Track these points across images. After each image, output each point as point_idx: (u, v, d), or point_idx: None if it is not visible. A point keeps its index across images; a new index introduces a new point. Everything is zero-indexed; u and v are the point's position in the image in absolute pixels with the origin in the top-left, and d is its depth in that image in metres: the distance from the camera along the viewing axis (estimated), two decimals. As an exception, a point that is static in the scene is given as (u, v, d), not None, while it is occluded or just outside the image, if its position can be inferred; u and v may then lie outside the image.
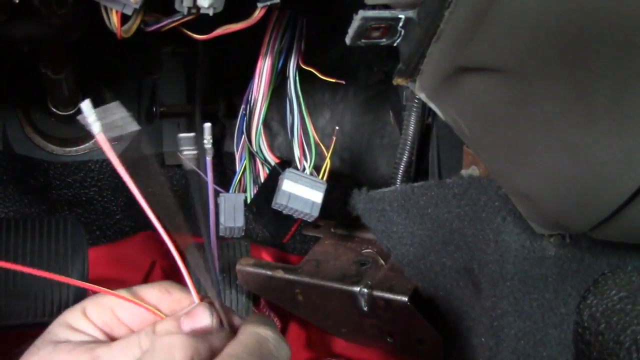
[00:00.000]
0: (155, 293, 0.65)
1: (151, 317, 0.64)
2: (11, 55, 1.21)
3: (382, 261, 1.07)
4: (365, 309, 1.00)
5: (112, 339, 0.63)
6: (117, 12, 0.81)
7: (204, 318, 0.62)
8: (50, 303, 1.00)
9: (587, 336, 0.73)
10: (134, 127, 0.59)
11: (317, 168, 1.07)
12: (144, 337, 0.60)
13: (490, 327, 0.80)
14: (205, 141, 0.62)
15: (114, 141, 0.56)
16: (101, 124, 0.55)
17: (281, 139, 1.38)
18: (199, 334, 0.61)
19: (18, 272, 1.03)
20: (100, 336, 0.62)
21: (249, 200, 1.16)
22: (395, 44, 0.70)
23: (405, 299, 0.96)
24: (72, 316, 0.63)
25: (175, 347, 0.57)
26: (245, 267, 1.12)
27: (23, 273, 1.04)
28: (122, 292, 0.64)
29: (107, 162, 1.35)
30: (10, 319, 0.99)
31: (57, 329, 0.62)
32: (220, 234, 1.17)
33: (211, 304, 0.63)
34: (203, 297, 0.64)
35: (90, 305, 0.63)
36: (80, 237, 1.07)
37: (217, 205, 1.22)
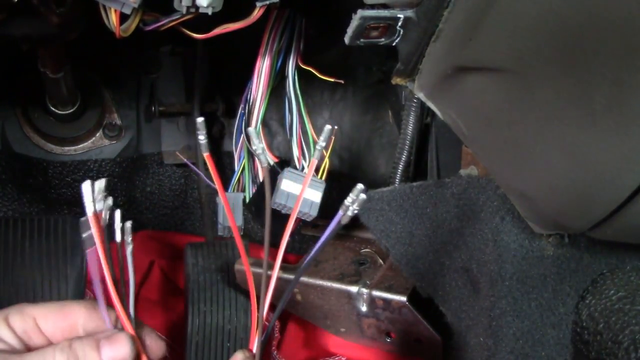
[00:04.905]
0: (82, 310, 0.66)
1: (73, 332, 0.65)
2: (10, 54, 1.21)
3: (380, 261, 1.07)
4: (364, 308, 1.00)
5: (29, 348, 0.64)
6: (115, 11, 0.81)
7: (123, 348, 0.63)
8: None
9: (585, 336, 0.73)
10: None
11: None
12: (59, 352, 0.61)
13: (488, 327, 0.80)
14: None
15: None
16: None
17: (280, 139, 1.38)
18: None
19: (16, 270, 1.04)
20: (18, 345, 0.63)
21: (247, 200, 1.16)
22: (394, 44, 0.70)
23: (404, 298, 0.96)
24: None
25: None
26: (244, 266, 1.11)
27: (20, 272, 1.04)
28: (52, 306, 0.66)
29: (105, 162, 1.35)
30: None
31: None
32: (219, 233, 1.17)
33: (132, 337, 0.64)
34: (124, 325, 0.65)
35: (13, 313, 0.64)
36: (79, 236, 1.07)
37: (215, 205, 1.22)
